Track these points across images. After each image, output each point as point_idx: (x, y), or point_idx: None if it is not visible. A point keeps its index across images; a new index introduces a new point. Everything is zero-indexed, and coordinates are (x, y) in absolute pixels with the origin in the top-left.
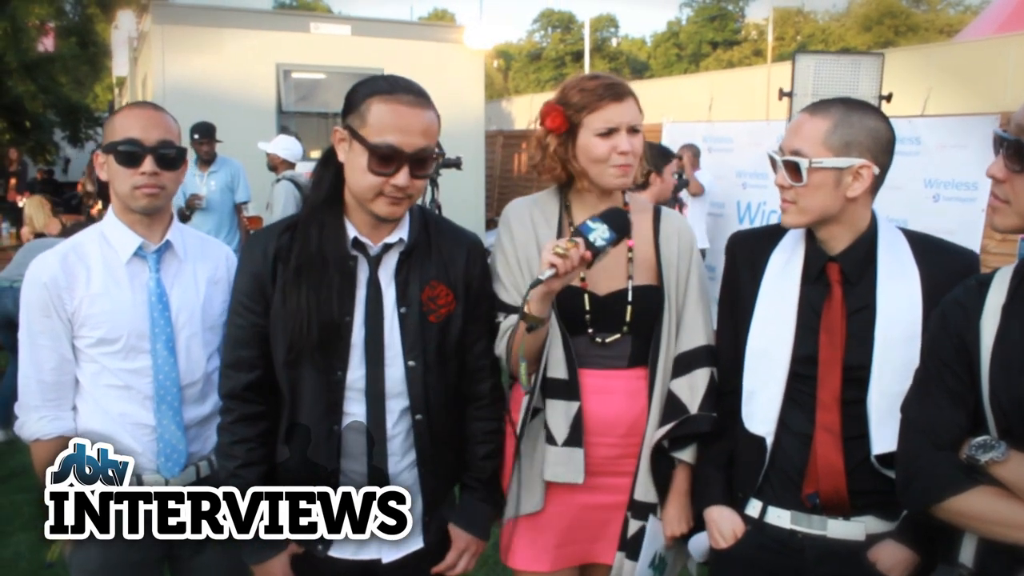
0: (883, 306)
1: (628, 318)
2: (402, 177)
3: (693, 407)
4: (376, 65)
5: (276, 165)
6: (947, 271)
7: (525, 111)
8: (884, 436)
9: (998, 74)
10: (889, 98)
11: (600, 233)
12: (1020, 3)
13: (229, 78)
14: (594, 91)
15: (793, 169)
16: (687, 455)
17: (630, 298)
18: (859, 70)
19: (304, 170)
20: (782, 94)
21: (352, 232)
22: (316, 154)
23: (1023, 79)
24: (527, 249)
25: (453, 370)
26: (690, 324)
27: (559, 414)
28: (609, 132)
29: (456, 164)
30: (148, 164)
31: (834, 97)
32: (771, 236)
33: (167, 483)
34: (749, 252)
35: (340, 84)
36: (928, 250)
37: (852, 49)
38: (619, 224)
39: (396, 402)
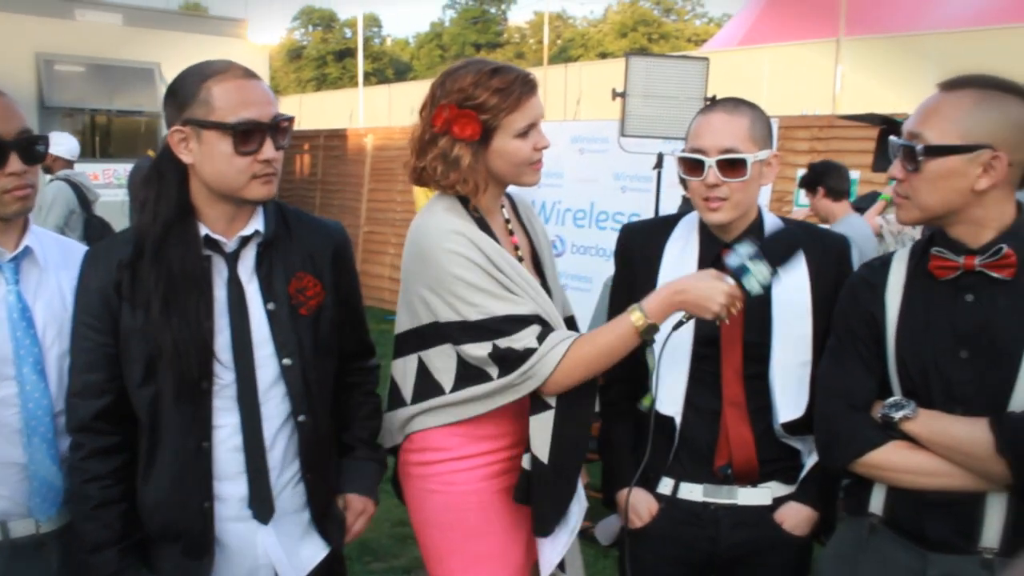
0: (777, 286)
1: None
2: (268, 149)
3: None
4: (152, 59)
5: (51, 164)
6: (827, 253)
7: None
8: (787, 405)
9: (753, 82)
10: (714, 100)
11: (760, 278)
12: (756, 20)
13: None
14: (510, 88)
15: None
16: None
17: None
18: (686, 73)
19: (91, 172)
20: (615, 94)
21: (203, 231)
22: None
23: (776, 88)
24: (502, 255)
25: (332, 364)
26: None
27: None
28: (528, 129)
29: None
30: (14, 163)
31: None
32: (662, 227)
33: (39, 527)
34: (643, 243)
35: (112, 78)
36: (807, 235)
37: (674, 54)
38: (782, 257)
39: (273, 407)
